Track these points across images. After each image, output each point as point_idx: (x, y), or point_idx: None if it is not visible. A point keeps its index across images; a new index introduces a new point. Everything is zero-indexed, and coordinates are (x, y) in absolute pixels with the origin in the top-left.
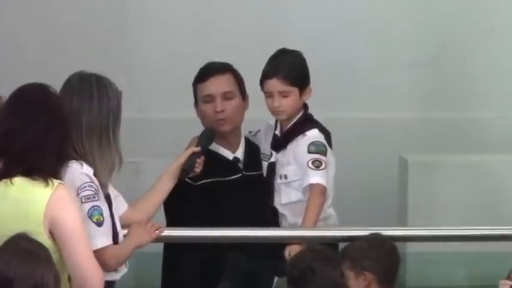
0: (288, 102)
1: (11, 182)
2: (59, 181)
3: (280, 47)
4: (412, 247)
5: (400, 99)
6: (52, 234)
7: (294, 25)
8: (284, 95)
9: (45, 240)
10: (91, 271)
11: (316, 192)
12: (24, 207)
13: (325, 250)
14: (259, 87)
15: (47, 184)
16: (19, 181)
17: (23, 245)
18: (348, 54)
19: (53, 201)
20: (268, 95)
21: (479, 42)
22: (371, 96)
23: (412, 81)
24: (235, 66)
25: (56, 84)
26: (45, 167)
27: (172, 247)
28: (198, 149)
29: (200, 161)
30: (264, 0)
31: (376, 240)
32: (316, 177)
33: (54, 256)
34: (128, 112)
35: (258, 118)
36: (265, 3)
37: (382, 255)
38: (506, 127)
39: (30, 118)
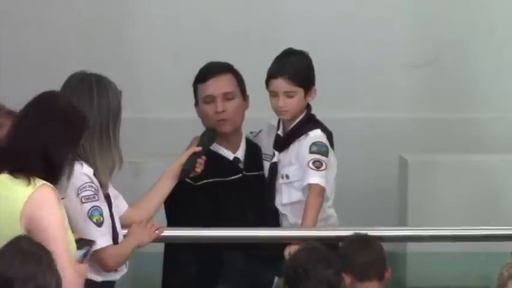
0: (293, 103)
1: None
2: (43, 182)
3: (280, 47)
4: (412, 247)
5: (400, 99)
6: (29, 234)
7: (294, 25)
8: (289, 95)
9: None
10: (66, 275)
11: (315, 192)
12: (2, 204)
13: (320, 249)
14: (260, 88)
15: (29, 183)
16: (3, 178)
17: (25, 247)
18: (348, 54)
19: (32, 200)
20: (273, 94)
21: (479, 42)
22: (371, 96)
23: (412, 81)
24: (236, 66)
25: (56, 84)
26: (28, 167)
27: (172, 247)
28: (199, 148)
29: (201, 160)
30: (264, 0)
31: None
32: (315, 178)
33: None
34: (127, 112)
35: (259, 118)
36: (265, 3)
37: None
38: (506, 127)
39: (21, 118)
